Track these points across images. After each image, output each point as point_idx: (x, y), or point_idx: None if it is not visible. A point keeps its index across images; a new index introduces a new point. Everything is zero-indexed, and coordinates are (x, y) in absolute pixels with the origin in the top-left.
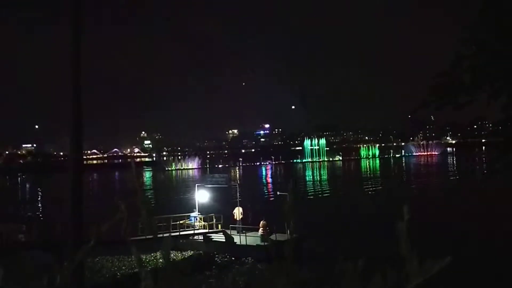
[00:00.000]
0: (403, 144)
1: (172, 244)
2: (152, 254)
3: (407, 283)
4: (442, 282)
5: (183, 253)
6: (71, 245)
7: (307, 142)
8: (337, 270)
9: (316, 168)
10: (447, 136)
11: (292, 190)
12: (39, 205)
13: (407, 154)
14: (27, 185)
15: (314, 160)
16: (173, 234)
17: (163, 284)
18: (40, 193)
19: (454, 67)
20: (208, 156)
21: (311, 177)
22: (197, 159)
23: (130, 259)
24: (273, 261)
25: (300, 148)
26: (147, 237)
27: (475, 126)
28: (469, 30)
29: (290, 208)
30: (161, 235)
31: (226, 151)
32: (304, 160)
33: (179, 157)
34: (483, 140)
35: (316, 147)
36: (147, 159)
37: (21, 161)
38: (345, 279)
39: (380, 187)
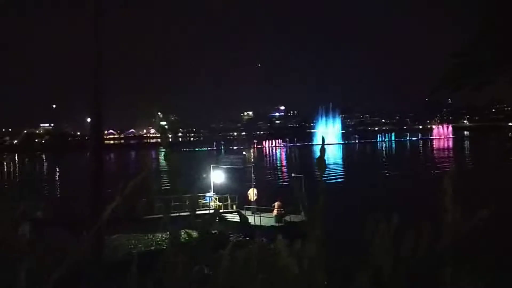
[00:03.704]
0: (420, 127)
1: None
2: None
3: (446, 235)
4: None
5: (198, 232)
6: (91, 223)
7: (320, 125)
8: (369, 230)
9: (332, 151)
10: (464, 120)
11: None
12: (57, 183)
13: (424, 138)
14: (45, 164)
15: (329, 143)
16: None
17: (181, 260)
18: (58, 171)
19: (474, 46)
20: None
21: (326, 159)
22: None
23: (146, 237)
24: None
25: (316, 130)
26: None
27: (493, 110)
28: (490, 6)
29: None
30: (175, 214)
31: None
32: (315, 143)
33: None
34: (491, 125)
35: (330, 129)
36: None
37: (40, 140)
38: (378, 237)
39: (397, 170)
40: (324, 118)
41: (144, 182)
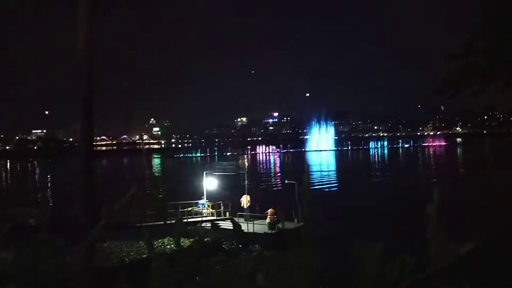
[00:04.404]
0: (418, 134)
1: (184, 227)
2: (159, 240)
3: (430, 266)
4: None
5: (190, 239)
6: (84, 229)
7: (313, 131)
8: (355, 254)
9: (324, 157)
10: (457, 127)
11: (306, 173)
12: (49, 189)
13: (416, 144)
14: (37, 170)
15: (321, 149)
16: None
17: (172, 267)
18: (50, 178)
19: (468, 50)
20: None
21: (319, 166)
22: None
23: (138, 245)
24: (287, 247)
25: (309, 136)
26: (155, 223)
27: (485, 117)
28: (485, 9)
29: (306, 190)
30: (169, 221)
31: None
32: (308, 149)
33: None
34: (484, 132)
35: (323, 136)
36: (155, 146)
37: (33, 146)
38: (363, 263)
39: (388, 176)
40: (317, 125)
41: (137, 190)
